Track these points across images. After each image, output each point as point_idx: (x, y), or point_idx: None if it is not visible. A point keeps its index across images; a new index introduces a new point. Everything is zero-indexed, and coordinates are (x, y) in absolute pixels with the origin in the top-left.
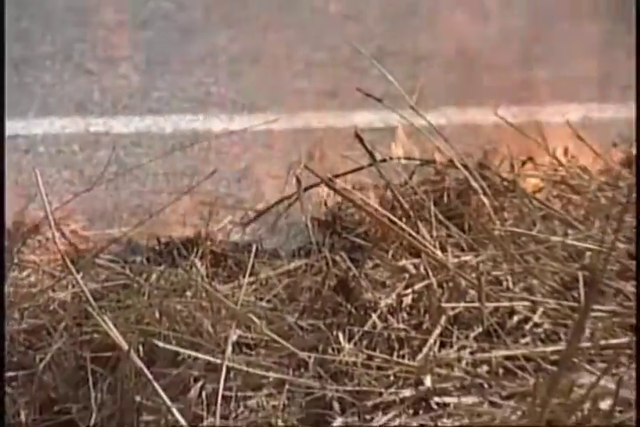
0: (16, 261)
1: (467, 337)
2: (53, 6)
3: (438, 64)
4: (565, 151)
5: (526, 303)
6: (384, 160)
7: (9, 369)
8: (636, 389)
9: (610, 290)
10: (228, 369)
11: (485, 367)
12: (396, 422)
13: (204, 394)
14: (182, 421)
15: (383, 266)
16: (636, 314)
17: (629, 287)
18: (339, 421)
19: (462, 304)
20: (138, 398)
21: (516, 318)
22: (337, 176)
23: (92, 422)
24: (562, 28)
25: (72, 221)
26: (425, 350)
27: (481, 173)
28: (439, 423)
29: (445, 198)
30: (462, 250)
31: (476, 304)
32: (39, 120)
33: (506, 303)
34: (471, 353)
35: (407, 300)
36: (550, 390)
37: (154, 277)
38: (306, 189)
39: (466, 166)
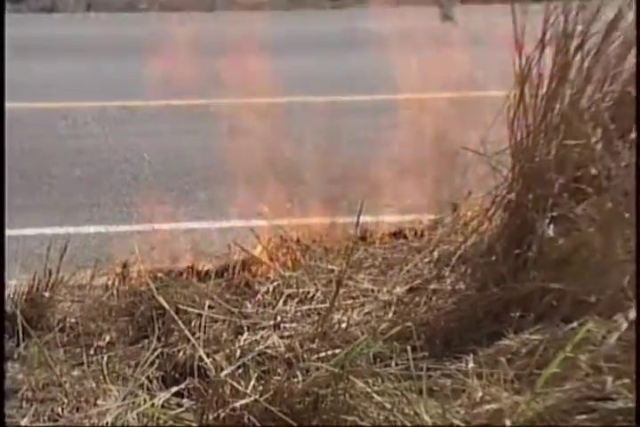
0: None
1: (291, 301)
2: None
3: None
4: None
5: (313, 289)
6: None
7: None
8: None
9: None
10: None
11: (299, 313)
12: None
13: None
14: (172, 313)
15: None
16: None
17: (352, 283)
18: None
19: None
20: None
21: (311, 294)
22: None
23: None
24: None
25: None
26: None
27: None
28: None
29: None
30: None
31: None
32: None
33: (305, 289)
34: (294, 307)
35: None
36: (324, 320)
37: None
38: None
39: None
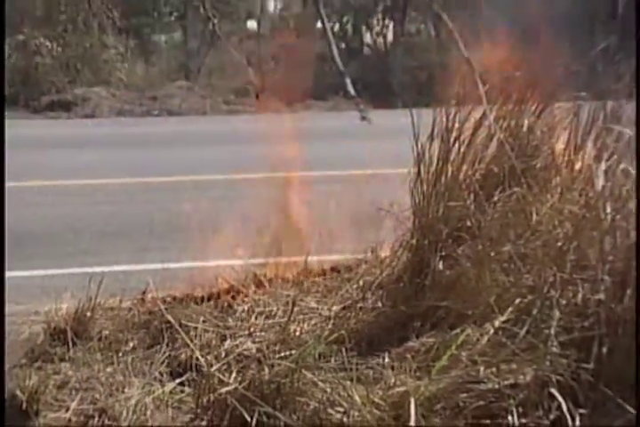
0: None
1: (260, 317)
2: None
3: None
4: None
5: (276, 308)
6: None
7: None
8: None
9: (298, 303)
10: None
11: (266, 326)
12: None
13: None
14: (177, 326)
15: None
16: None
17: (303, 303)
18: None
19: None
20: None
21: (274, 312)
22: None
23: None
24: None
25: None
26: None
27: None
28: None
29: None
30: None
31: (263, 309)
32: None
33: (270, 308)
34: (262, 321)
35: None
36: (284, 330)
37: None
38: None
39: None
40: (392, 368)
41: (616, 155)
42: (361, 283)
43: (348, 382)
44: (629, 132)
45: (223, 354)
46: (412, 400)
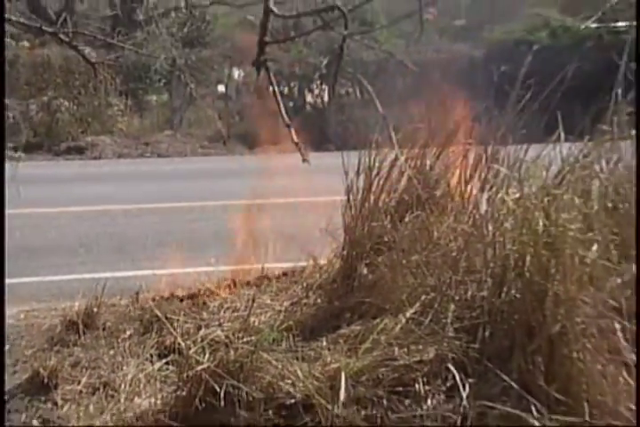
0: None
1: (228, 311)
2: None
3: None
4: None
5: (239, 304)
6: None
7: None
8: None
9: (257, 300)
10: None
11: (232, 318)
12: None
13: None
14: (163, 319)
15: None
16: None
17: (260, 300)
18: None
19: None
20: None
21: (238, 307)
22: None
23: None
24: None
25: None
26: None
27: None
28: None
29: None
30: None
31: (229, 305)
32: None
33: (235, 304)
34: (229, 314)
35: None
36: (245, 321)
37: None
38: None
39: (204, 285)
40: (328, 350)
41: (495, 187)
42: (305, 284)
43: (295, 361)
44: (505, 170)
45: (199, 340)
46: (343, 374)
